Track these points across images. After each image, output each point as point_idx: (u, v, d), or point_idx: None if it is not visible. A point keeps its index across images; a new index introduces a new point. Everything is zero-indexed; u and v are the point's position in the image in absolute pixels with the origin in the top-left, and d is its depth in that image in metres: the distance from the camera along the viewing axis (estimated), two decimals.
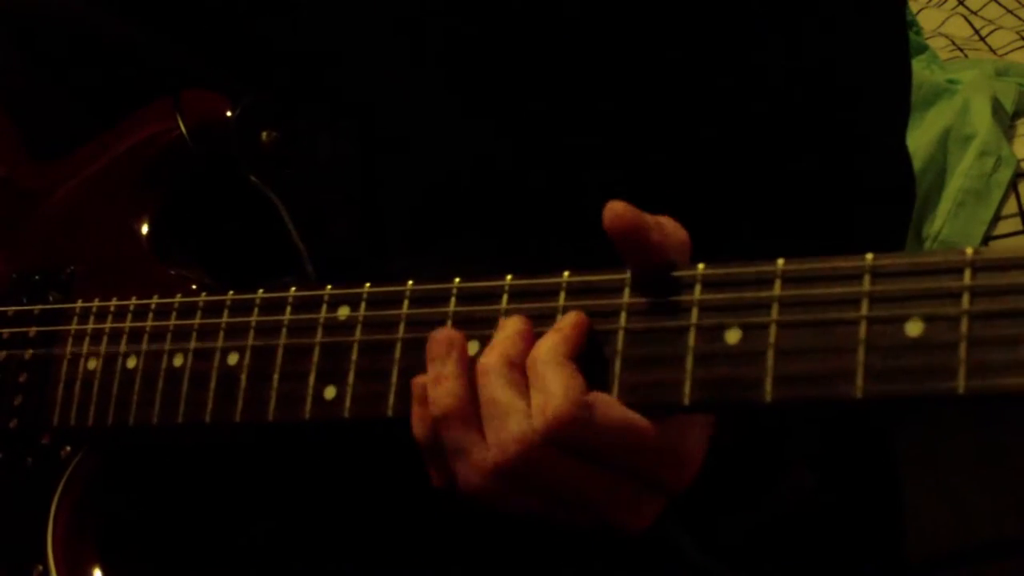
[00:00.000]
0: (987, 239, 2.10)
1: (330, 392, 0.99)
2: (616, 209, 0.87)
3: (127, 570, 1.14)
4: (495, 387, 0.90)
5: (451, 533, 1.16)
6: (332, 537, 1.19)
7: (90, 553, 1.13)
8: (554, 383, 0.87)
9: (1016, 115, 2.20)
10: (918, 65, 2.29)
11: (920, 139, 2.13)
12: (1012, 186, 2.11)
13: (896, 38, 1.21)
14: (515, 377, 0.90)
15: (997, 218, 2.11)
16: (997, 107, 2.16)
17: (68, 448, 1.15)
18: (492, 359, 0.91)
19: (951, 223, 2.10)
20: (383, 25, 1.18)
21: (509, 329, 0.92)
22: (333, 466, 1.17)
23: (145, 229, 1.19)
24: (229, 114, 1.17)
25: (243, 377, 1.04)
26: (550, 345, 0.89)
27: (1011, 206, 2.11)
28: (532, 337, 0.91)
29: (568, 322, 0.90)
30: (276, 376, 1.02)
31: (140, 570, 1.15)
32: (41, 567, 1.12)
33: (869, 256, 0.80)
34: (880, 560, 1.25)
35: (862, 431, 1.23)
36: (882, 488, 1.27)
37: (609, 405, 0.88)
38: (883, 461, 1.27)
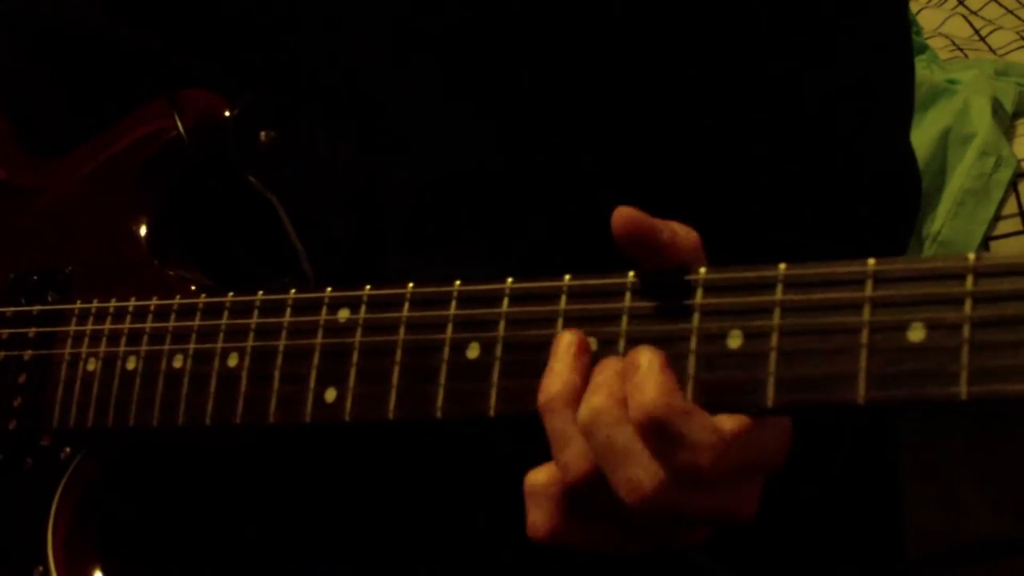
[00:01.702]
0: (987, 239, 2.10)
1: (331, 394, 0.99)
2: (624, 213, 0.86)
3: (127, 571, 1.14)
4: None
5: (448, 534, 1.16)
6: (330, 538, 1.19)
7: (90, 554, 1.13)
8: (698, 433, 0.83)
9: (1016, 115, 2.20)
10: (918, 65, 2.28)
11: (920, 139, 2.12)
12: (1012, 186, 2.11)
13: (900, 37, 1.21)
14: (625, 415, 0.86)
15: (997, 218, 2.10)
16: (997, 107, 2.15)
17: (68, 449, 1.15)
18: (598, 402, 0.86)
19: (951, 223, 2.09)
20: (383, 25, 1.18)
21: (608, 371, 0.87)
22: (331, 468, 1.17)
23: (143, 229, 1.19)
24: (227, 113, 1.17)
25: (243, 379, 1.03)
26: (665, 391, 0.84)
27: (1011, 206, 2.10)
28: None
29: (650, 358, 0.85)
30: (276, 378, 1.02)
31: (140, 571, 1.15)
32: (41, 568, 1.12)
33: (871, 261, 0.80)
34: (879, 559, 1.25)
35: (861, 430, 1.23)
36: (881, 487, 1.27)
37: (732, 427, 0.84)
38: (882, 460, 1.27)
